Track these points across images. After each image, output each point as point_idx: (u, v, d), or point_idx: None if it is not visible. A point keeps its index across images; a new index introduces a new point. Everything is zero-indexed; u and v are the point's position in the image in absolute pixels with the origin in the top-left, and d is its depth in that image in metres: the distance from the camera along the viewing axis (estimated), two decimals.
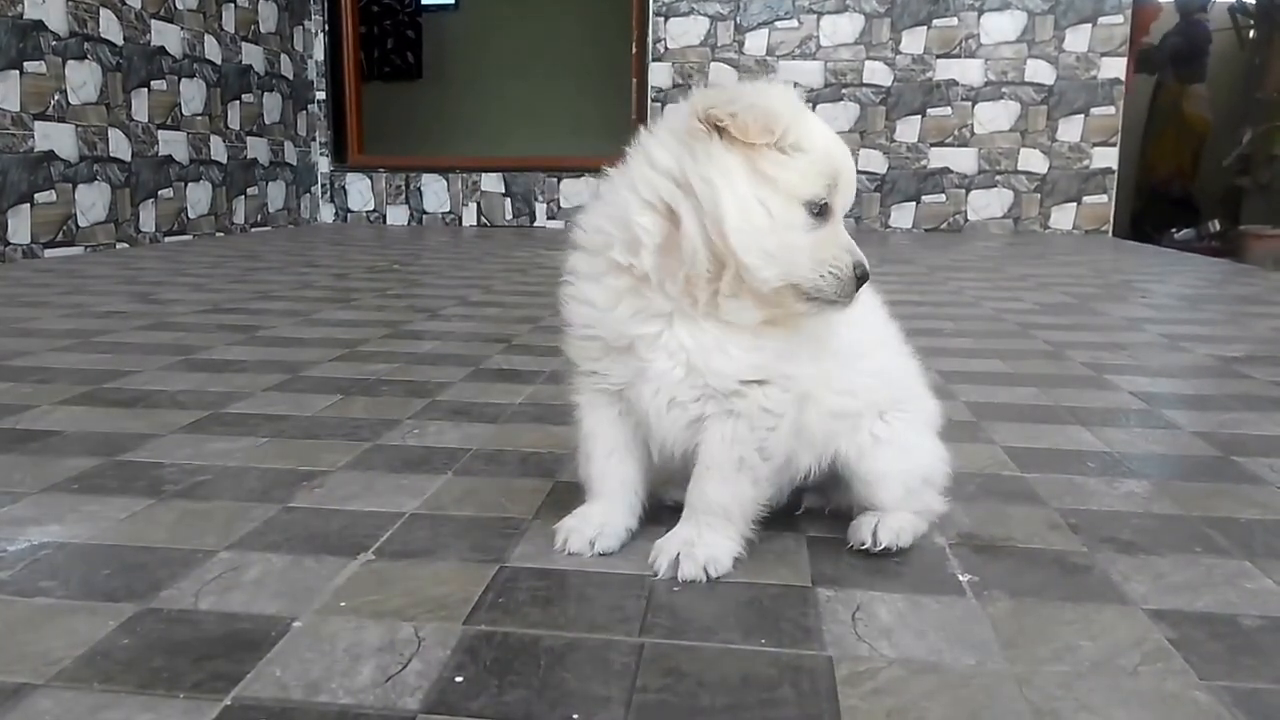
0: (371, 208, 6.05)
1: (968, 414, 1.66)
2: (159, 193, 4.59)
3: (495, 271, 3.67)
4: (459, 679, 0.80)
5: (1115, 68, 5.55)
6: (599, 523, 1.07)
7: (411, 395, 1.73)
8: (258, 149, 5.46)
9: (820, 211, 0.96)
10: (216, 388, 1.76)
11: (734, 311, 0.97)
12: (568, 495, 1.23)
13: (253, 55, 5.39)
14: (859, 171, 5.78)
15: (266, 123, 5.55)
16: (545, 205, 5.88)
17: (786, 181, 0.94)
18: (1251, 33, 6.65)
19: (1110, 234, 5.74)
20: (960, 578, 1.02)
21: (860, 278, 0.96)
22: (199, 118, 4.89)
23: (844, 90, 5.60)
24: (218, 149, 5.06)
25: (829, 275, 0.95)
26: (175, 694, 0.76)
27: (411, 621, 0.89)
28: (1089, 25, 5.49)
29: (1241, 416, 1.69)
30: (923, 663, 0.84)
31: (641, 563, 1.02)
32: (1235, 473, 1.37)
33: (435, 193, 5.95)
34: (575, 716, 0.75)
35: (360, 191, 6.04)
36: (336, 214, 6.11)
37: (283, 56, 5.72)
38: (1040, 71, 5.54)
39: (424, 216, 5.99)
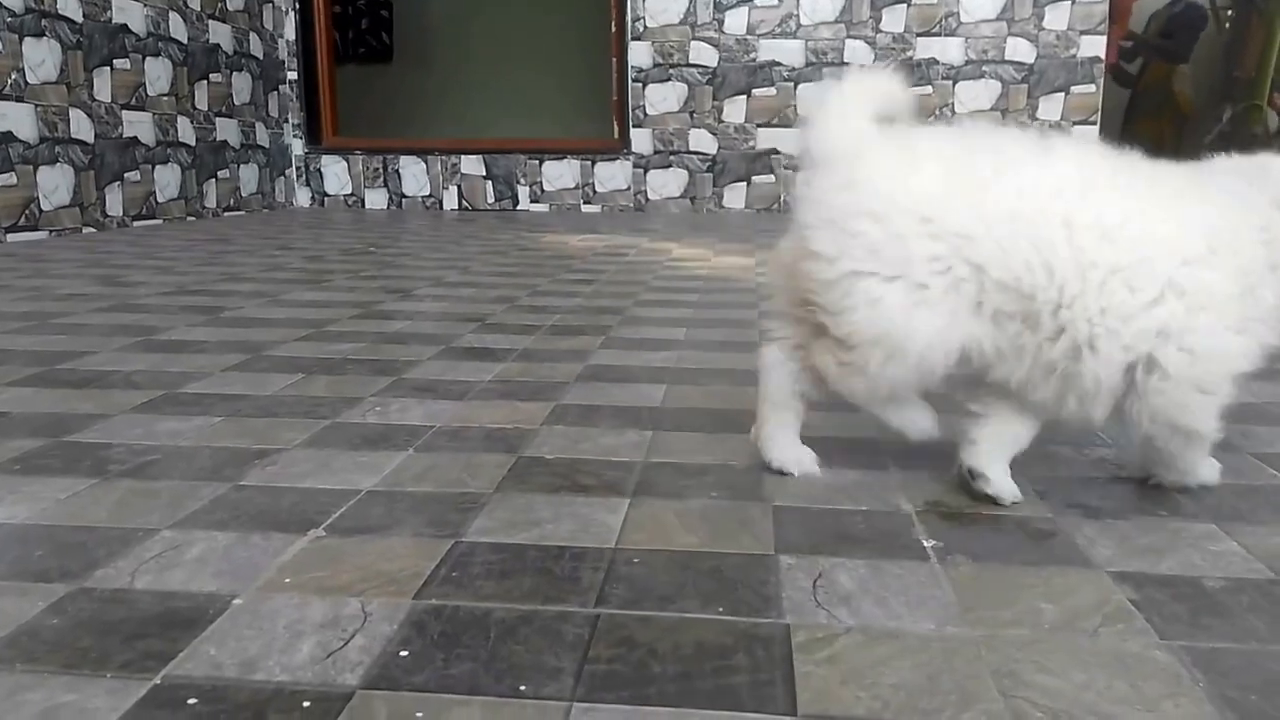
0: (349, 191, 5.98)
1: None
2: (125, 175, 4.52)
3: (474, 254, 3.63)
4: (404, 653, 0.77)
5: (1095, 46, 5.53)
6: None
7: (377, 374, 1.70)
8: (228, 130, 5.39)
9: None
10: (174, 368, 1.72)
11: None
12: (531, 469, 1.21)
13: (220, 34, 5.31)
14: None
15: (236, 103, 5.47)
16: (528, 188, 5.83)
17: None
18: (1230, 13, 6.64)
19: None
20: (925, 543, 1.00)
21: None
22: (165, 98, 4.82)
23: (825, 69, 5.56)
24: (185, 130, 4.99)
25: None
26: (102, 674, 0.73)
27: (359, 597, 0.87)
28: (1068, 3, 5.46)
29: None
30: (881, 628, 0.82)
31: (603, 535, 1.00)
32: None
33: (414, 176, 5.89)
34: (523, 687, 0.73)
35: (337, 174, 5.98)
36: (313, 198, 6.05)
37: (252, 35, 5.64)
38: (1020, 50, 5.52)
39: (403, 200, 5.93)
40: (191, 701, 0.70)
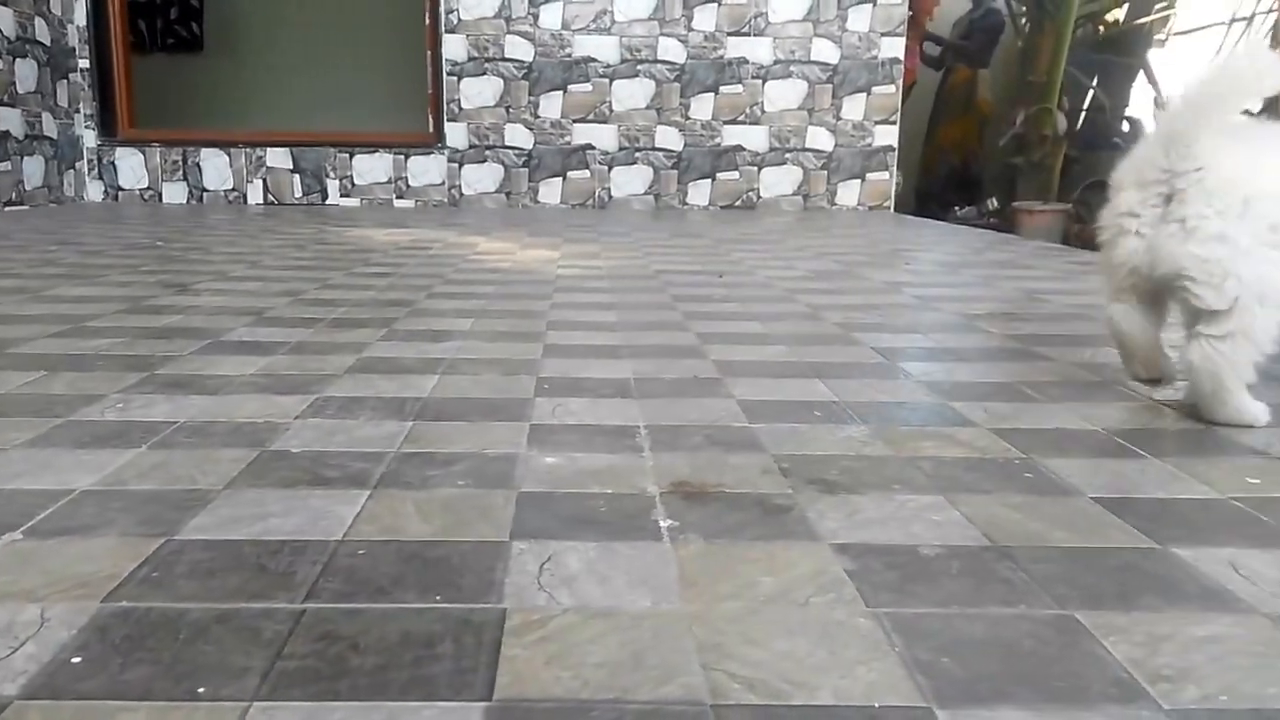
0: (145, 185, 5.62)
1: (714, 371, 1.68)
2: None
3: (270, 248, 3.47)
4: (75, 660, 0.71)
5: (895, 47, 5.81)
6: None
7: (128, 369, 1.59)
8: (10, 120, 4.96)
9: None
10: None
11: None
12: (272, 463, 1.15)
13: (2, 17, 4.89)
14: (655, 149, 5.85)
15: (20, 92, 5.05)
16: (338, 182, 5.63)
17: None
18: (1025, 20, 7.12)
19: (892, 209, 6.01)
20: (661, 524, 1.00)
21: None
22: None
23: (639, 66, 5.62)
24: None
25: None
26: None
27: (40, 603, 0.80)
28: (870, 5, 5.72)
29: (971, 366, 1.77)
30: (598, 608, 0.82)
31: (331, 528, 0.96)
32: (950, 416, 1.43)
33: (216, 169, 5.59)
34: (201, 690, 0.68)
35: (132, 168, 5.61)
36: (106, 192, 5.65)
37: (37, 20, 5.21)
38: (825, 50, 5.74)
39: (204, 194, 5.62)
40: None
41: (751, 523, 1.01)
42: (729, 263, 3.27)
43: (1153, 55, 7.08)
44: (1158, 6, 6.83)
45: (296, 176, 5.60)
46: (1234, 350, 1.28)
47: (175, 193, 5.63)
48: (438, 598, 0.83)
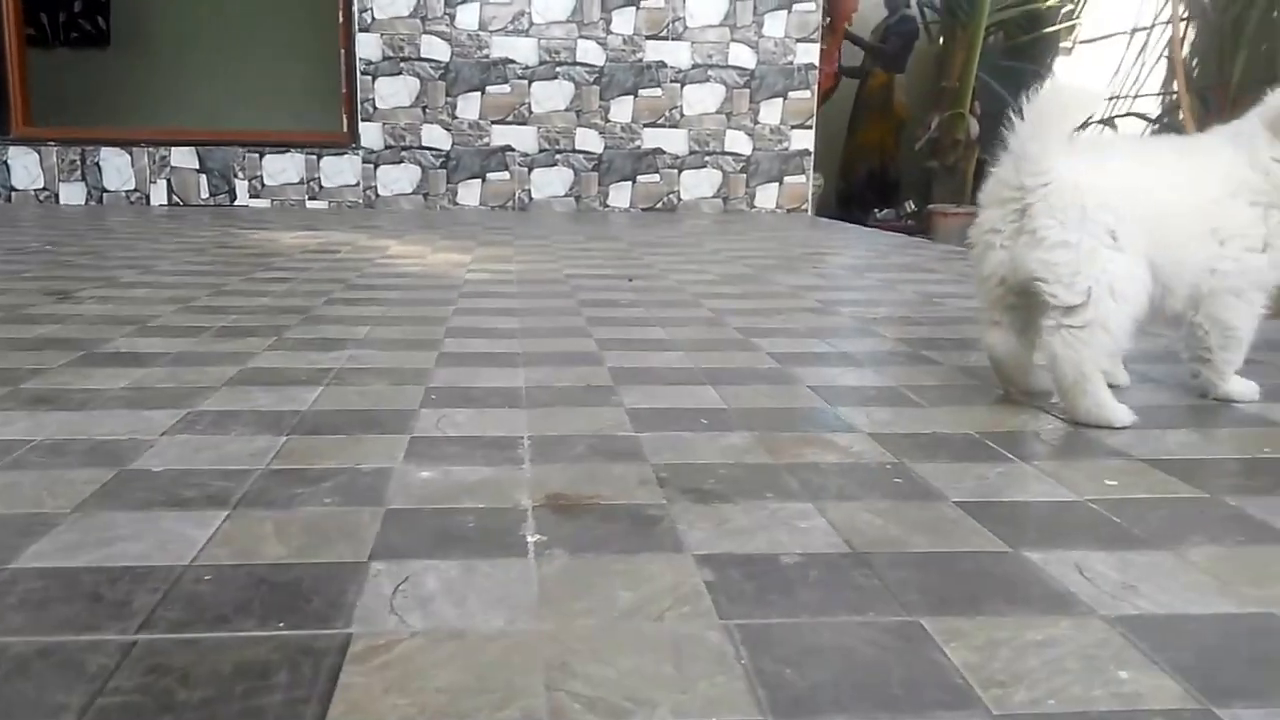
0: (41, 185, 5.41)
1: (608, 379, 1.67)
2: None
3: (167, 251, 3.37)
4: None
5: (810, 53, 5.88)
6: None
7: None
8: None
9: None
10: None
11: None
12: (129, 483, 1.11)
13: None
14: (576, 151, 5.83)
15: None
16: (247, 183, 5.49)
17: None
18: (938, 27, 7.27)
19: (811, 212, 6.09)
20: (529, 539, 0.99)
21: None
22: None
23: (559, 69, 5.60)
24: None
25: None
26: None
27: None
28: (785, 11, 5.78)
29: (861, 371, 1.80)
30: (449, 630, 0.80)
31: (180, 552, 0.93)
32: (833, 422, 1.45)
33: (117, 169, 5.41)
34: None
35: (26, 167, 5.39)
36: None
37: None
38: (742, 55, 5.78)
39: (104, 195, 5.43)
40: None
41: (620, 535, 1.01)
42: (642, 267, 3.27)
43: (1060, 63, 7.29)
44: (1063, 13, 7.03)
45: (203, 177, 5.45)
46: (1092, 337, 1.38)
47: (73, 194, 5.43)
48: (280, 625, 0.80)
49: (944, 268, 3.45)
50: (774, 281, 2.99)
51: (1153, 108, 4.95)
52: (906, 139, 7.37)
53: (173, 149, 5.43)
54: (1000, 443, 1.34)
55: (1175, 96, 4.33)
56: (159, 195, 5.45)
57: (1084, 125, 1.45)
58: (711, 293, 2.71)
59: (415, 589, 0.88)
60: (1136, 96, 4.45)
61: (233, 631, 0.79)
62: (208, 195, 5.48)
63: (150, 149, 5.43)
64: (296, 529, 1.00)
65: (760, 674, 0.75)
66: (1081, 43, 7.14)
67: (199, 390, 1.52)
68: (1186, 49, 4.70)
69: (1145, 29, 6.46)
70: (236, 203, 5.50)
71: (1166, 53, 4.34)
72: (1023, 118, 1.40)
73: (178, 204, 5.47)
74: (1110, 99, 4.63)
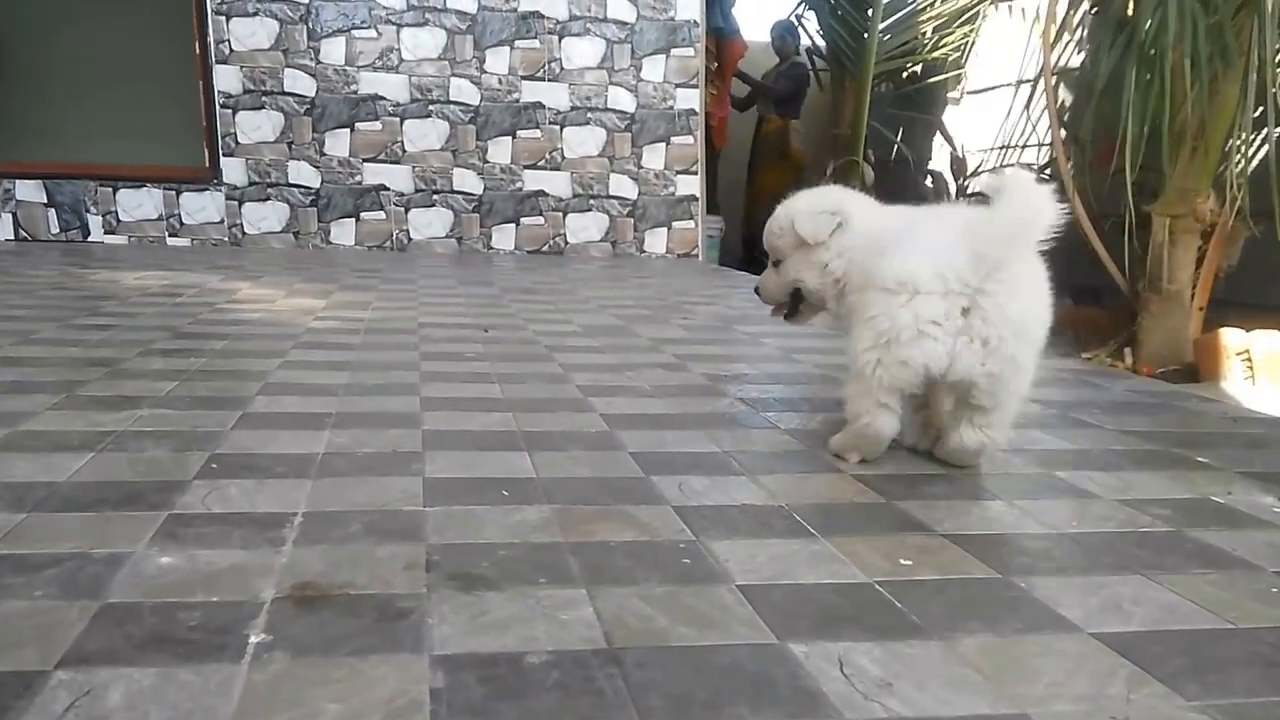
0: None
1: (418, 444, 1.58)
2: None
3: None
4: None
5: (691, 99, 5.93)
6: None
7: None
8: None
9: None
10: None
11: None
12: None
13: None
14: (454, 192, 5.73)
15: None
16: (100, 218, 5.23)
17: None
18: (828, 77, 7.44)
19: (701, 257, 6.10)
20: (251, 639, 0.89)
21: None
22: None
23: (431, 106, 5.51)
24: None
25: None
26: None
27: None
28: (663, 56, 5.82)
29: (689, 434, 1.73)
30: None
31: None
32: (640, 493, 1.38)
33: None
34: None
35: None
36: None
37: None
38: (622, 99, 5.79)
39: None
40: None
41: (358, 633, 0.92)
42: (505, 316, 3.19)
43: (948, 113, 7.53)
44: (950, 63, 7.26)
45: (52, 211, 5.17)
46: (998, 432, 1.52)
47: None
48: None
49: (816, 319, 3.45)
50: (637, 334, 2.93)
51: (1037, 158, 5.17)
52: (804, 184, 7.48)
53: (17, 182, 5.13)
54: (809, 516, 1.30)
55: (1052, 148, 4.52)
56: (4, 230, 5.14)
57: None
58: (566, 345, 2.64)
59: (93, 705, 0.77)
60: (1024, 147, 4.63)
61: None
62: (58, 230, 5.19)
63: None
64: None
65: None
66: (970, 93, 7.39)
67: None
68: (1061, 100, 4.91)
69: (1029, 82, 6.75)
70: (91, 239, 5.24)
71: (1044, 105, 4.52)
72: (992, 221, 1.38)
73: (25, 239, 5.17)
74: (1000, 149, 4.81)
